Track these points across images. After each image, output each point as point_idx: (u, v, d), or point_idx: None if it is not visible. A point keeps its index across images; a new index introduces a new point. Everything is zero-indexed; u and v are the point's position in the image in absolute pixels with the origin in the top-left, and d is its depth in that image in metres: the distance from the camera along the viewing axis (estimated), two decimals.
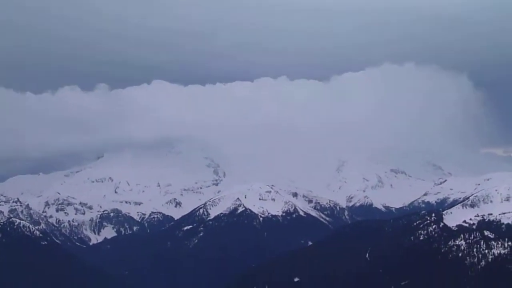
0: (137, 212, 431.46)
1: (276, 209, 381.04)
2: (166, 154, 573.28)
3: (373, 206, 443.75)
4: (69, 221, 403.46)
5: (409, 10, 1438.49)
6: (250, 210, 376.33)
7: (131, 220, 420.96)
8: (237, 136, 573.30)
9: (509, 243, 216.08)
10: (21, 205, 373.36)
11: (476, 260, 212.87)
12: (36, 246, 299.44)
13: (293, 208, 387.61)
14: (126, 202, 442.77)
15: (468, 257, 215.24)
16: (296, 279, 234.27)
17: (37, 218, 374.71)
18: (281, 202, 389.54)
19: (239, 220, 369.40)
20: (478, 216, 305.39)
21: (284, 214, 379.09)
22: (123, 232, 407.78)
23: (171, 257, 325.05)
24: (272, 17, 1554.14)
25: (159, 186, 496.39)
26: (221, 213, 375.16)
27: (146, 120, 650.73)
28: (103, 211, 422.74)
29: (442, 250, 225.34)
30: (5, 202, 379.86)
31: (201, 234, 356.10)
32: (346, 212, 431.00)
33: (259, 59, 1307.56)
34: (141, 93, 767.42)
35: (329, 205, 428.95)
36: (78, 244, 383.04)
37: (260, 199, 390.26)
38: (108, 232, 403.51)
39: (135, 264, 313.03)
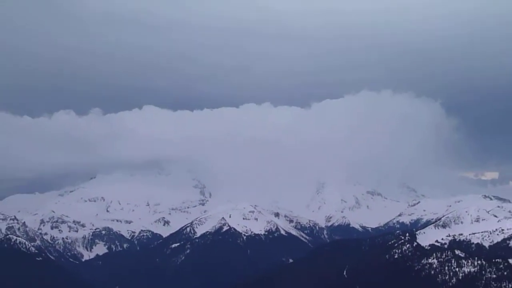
0: (127, 230, 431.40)
1: (259, 228, 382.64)
2: (155, 175, 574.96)
3: (351, 226, 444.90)
4: (63, 238, 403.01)
5: (387, 43, 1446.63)
6: (234, 229, 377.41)
7: (122, 237, 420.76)
8: (222, 158, 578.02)
9: (479, 262, 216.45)
10: (17, 223, 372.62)
11: (447, 277, 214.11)
12: (31, 261, 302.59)
13: (275, 227, 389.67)
14: (117, 221, 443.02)
15: (440, 275, 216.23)
16: None
17: (32, 235, 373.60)
18: (264, 221, 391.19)
19: (224, 238, 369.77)
20: (449, 236, 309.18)
21: (266, 233, 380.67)
22: (114, 249, 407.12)
23: (159, 273, 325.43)
24: (256, 43, 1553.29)
25: (148, 205, 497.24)
26: (207, 232, 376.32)
27: (136, 143, 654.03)
28: (95, 229, 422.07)
29: (416, 268, 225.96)
30: (2, 219, 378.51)
31: (188, 251, 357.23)
32: (325, 231, 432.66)
33: (245, 85, 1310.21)
34: (133, 117, 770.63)
35: (309, 225, 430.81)
36: (72, 260, 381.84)
37: (244, 218, 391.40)
38: (100, 249, 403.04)
39: (125, 279, 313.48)
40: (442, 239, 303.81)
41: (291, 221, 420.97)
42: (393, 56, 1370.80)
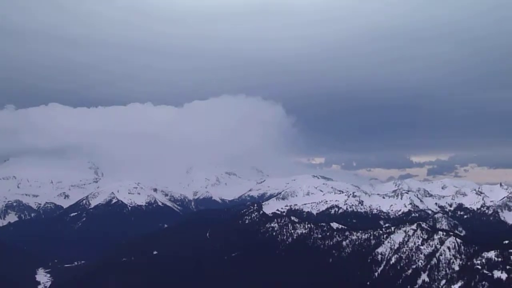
0: (35, 202, 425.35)
1: (141, 200, 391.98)
2: (58, 159, 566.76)
3: (213, 198, 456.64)
4: None
5: (243, 55, 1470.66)
6: (121, 201, 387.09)
7: (30, 208, 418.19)
8: (113, 146, 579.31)
9: (308, 225, 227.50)
10: None
11: (285, 237, 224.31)
12: None
13: (154, 200, 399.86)
14: (26, 195, 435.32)
15: (279, 235, 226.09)
16: (154, 252, 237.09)
17: None
18: (145, 195, 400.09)
19: (113, 209, 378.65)
20: (287, 206, 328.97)
21: (147, 204, 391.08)
22: (23, 217, 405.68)
23: (61, 237, 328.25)
24: (141, 56, 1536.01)
25: (52, 183, 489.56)
26: (99, 203, 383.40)
27: (43, 133, 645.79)
28: (8, 201, 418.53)
29: (261, 230, 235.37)
30: None
31: (84, 219, 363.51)
32: (192, 203, 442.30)
33: (131, 87, 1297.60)
34: (40, 112, 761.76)
35: (180, 198, 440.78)
36: None
37: (129, 193, 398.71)
38: (12, 217, 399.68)
39: (33, 241, 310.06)
40: (282, 208, 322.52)
41: (166, 195, 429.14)
42: (245, 65, 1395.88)
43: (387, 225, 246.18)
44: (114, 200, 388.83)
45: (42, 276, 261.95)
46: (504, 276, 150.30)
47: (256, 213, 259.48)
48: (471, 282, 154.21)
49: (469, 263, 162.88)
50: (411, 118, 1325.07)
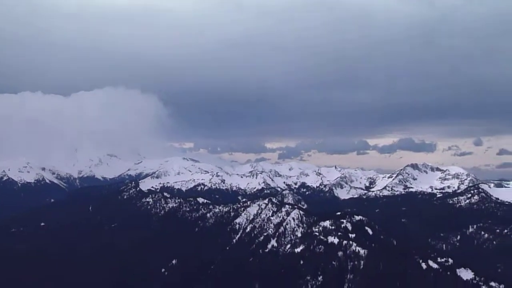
0: None
1: (30, 178, 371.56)
2: None
3: (95, 177, 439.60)
4: None
5: (120, 52, 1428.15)
6: (12, 178, 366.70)
7: None
8: (5, 130, 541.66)
9: (178, 200, 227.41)
10: None
11: (158, 210, 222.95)
12: None
13: (42, 177, 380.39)
14: None
15: (153, 209, 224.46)
16: (42, 224, 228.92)
17: None
18: (34, 173, 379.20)
19: (5, 186, 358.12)
20: (161, 183, 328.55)
21: (35, 181, 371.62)
22: None
23: None
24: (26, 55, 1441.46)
25: None
26: None
27: None
28: None
29: (138, 204, 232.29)
30: None
31: None
32: (77, 181, 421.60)
33: (22, 78, 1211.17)
34: None
35: (66, 176, 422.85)
36: None
37: (19, 171, 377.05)
38: None
39: None
40: (156, 185, 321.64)
41: (53, 173, 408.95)
42: (126, 61, 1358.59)
43: (244, 200, 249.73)
44: (5, 178, 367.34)
45: None
46: (336, 240, 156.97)
47: (133, 190, 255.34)
48: (310, 246, 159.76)
49: (309, 230, 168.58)
50: (266, 111, 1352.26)
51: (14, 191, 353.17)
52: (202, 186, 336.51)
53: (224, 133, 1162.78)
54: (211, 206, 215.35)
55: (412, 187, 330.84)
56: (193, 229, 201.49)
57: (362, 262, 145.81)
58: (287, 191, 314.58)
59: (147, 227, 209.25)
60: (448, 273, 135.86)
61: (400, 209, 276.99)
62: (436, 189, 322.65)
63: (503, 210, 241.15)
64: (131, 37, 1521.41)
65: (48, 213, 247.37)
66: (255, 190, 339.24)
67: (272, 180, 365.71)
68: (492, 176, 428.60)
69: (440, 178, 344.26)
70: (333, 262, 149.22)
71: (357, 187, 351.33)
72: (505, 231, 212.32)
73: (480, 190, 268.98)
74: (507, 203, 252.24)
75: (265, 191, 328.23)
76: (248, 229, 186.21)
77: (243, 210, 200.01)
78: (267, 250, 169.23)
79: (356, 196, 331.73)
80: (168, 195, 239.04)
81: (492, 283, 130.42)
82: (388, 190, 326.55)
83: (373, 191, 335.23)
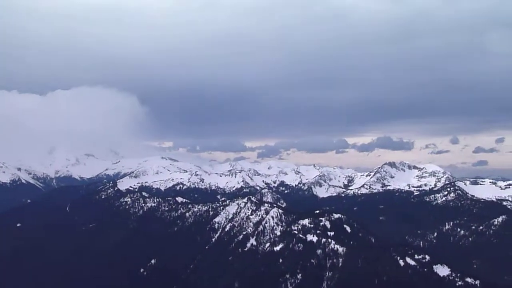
0: None
1: (5, 178, 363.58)
2: None
3: (73, 177, 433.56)
4: None
5: (98, 52, 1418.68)
6: None
7: None
8: None
9: (157, 199, 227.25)
10: None
11: (137, 210, 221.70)
12: None
13: (18, 178, 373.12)
14: None
15: (132, 208, 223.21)
16: (18, 224, 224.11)
17: None
18: (9, 173, 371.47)
19: None
20: (139, 183, 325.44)
21: (11, 182, 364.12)
22: None
23: None
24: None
25: None
26: None
27: None
28: None
29: (116, 204, 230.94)
30: None
31: None
32: (54, 181, 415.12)
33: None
34: None
35: (43, 176, 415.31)
36: None
37: None
38: None
39: None
40: (134, 185, 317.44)
41: (29, 173, 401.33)
42: (104, 60, 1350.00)
43: (223, 199, 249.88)
44: None
45: None
46: (315, 238, 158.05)
47: (111, 189, 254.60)
48: (289, 244, 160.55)
49: (288, 229, 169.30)
50: (246, 110, 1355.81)
51: None
52: (181, 186, 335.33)
53: (203, 132, 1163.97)
54: (190, 206, 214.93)
55: (390, 185, 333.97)
56: (172, 229, 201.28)
57: (340, 259, 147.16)
58: (266, 190, 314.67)
59: (125, 227, 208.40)
60: (425, 269, 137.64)
61: (378, 207, 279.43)
62: (413, 187, 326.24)
63: (479, 207, 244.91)
64: (109, 36, 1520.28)
65: (24, 213, 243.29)
66: (234, 189, 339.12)
67: (251, 179, 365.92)
68: (468, 174, 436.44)
69: (417, 176, 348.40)
70: (312, 260, 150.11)
71: (335, 186, 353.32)
72: (481, 227, 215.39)
73: (456, 187, 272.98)
74: (482, 200, 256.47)
75: (244, 190, 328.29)
76: (227, 228, 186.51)
77: (222, 209, 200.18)
78: (246, 248, 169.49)
79: (334, 194, 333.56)
80: (147, 195, 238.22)
81: (468, 279, 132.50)
82: (366, 188, 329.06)
83: (351, 189, 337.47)
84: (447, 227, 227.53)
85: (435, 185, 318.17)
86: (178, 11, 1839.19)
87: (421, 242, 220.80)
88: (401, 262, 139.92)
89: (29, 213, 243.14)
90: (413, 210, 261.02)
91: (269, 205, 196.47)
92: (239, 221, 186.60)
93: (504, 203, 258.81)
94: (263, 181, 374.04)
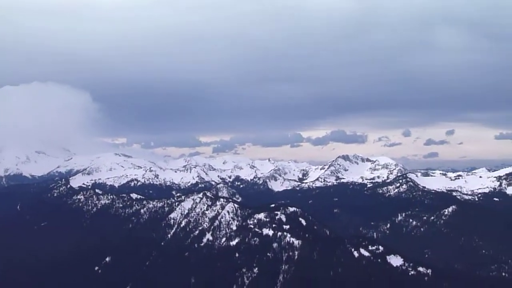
0: None
1: None
2: None
3: (23, 175, 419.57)
4: None
5: (49, 47, 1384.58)
6: None
7: None
8: None
9: (111, 196, 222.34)
10: None
11: (90, 207, 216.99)
12: None
13: None
14: None
15: (85, 206, 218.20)
16: None
17: None
18: None
19: None
20: (92, 180, 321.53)
21: None
22: None
23: None
24: None
25: None
26: None
27: None
28: None
29: (69, 202, 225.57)
30: None
31: None
32: (4, 179, 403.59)
33: None
34: None
35: None
36: None
37: None
38: None
39: None
40: (87, 182, 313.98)
41: None
42: (56, 56, 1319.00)
43: (178, 194, 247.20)
44: None
45: None
46: (270, 232, 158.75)
47: (63, 187, 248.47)
48: (245, 238, 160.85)
49: (244, 223, 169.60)
50: (201, 106, 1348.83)
51: None
52: (135, 182, 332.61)
53: (158, 128, 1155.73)
54: (145, 202, 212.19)
55: (343, 178, 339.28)
56: (127, 226, 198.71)
57: (296, 252, 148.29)
58: (222, 185, 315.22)
59: (78, 225, 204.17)
60: (379, 260, 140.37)
61: (333, 199, 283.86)
62: (366, 179, 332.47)
63: (430, 198, 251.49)
64: (61, 32, 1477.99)
65: None
66: (189, 184, 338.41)
67: (206, 174, 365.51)
68: (419, 166, 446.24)
69: (370, 168, 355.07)
70: (268, 254, 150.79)
71: (290, 179, 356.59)
72: (432, 218, 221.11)
73: (408, 179, 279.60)
74: (433, 191, 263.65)
75: (200, 185, 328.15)
76: (183, 223, 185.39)
77: (178, 204, 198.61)
78: (202, 244, 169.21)
79: (289, 188, 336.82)
80: (100, 192, 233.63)
81: (420, 268, 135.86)
82: (321, 182, 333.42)
83: (306, 183, 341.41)
84: (399, 218, 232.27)
85: (388, 177, 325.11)
86: (133, 6, 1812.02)
87: (375, 234, 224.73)
88: (356, 254, 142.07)
89: None
90: (366, 202, 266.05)
91: (225, 200, 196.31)
92: (194, 217, 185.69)
93: (454, 193, 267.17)
94: (218, 176, 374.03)
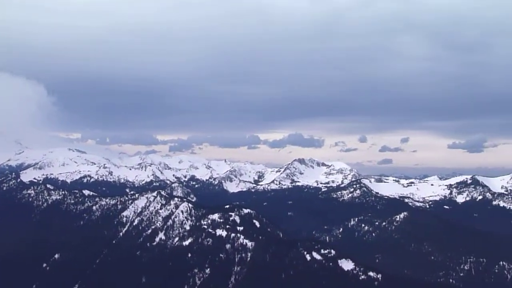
0: None
1: None
2: None
3: None
4: None
5: (6, 38, 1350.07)
6: None
7: None
8: None
9: (63, 192, 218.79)
10: None
11: (41, 202, 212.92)
12: None
13: None
14: None
15: (35, 201, 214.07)
16: None
17: None
18: None
19: None
20: (44, 175, 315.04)
21: None
22: None
23: None
24: None
25: None
26: None
27: None
28: None
29: (18, 196, 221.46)
30: None
31: None
32: None
33: None
34: None
35: None
36: None
37: None
38: None
39: None
40: (39, 177, 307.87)
41: None
42: (11, 46, 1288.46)
43: (132, 192, 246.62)
44: None
45: None
46: (224, 233, 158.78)
47: (13, 181, 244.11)
48: (198, 238, 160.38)
49: (198, 223, 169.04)
50: (159, 103, 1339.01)
51: None
52: (88, 178, 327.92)
53: (114, 124, 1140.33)
54: (97, 199, 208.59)
55: (299, 181, 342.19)
56: (78, 223, 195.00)
57: (249, 254, 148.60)
58: (177, 184, 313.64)
59: (28, 221, 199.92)
60: (330, 264, 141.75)
61: (287, 202, 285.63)
62: (321, 183, 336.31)
63: (382, 204, 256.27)
64: (18, 22, 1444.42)
65: None
66: (143, 182, 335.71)
67: (161, 172, 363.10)
68: (373, 172, 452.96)
69: (325, 173, 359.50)
70: (220, 255, 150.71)
71: (246, 181, 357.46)
72: (384, 223, 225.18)
73: (361, 184, 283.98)
74: (386, 197, 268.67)
75: (154, 184, 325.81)
76: (136, 222, 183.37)
77: (131, 202, 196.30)
78: (154, 243, 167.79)
79: (245, 189, 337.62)
80: (52, 187, 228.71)
81: (371, 273, 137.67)
82: (276, 184, 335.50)
83: (261, 185, 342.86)
84: (352, 222, 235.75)
85: (342, 182, 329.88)
86: (95, 2, 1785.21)
87: (328, 237, 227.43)
88: (308, 257, 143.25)
89: None
90: (320, 206, 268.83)
91: (179, 199, 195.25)
92: (148, 215, 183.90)
93: (406, 200, 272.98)
94: (173, 175, 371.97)
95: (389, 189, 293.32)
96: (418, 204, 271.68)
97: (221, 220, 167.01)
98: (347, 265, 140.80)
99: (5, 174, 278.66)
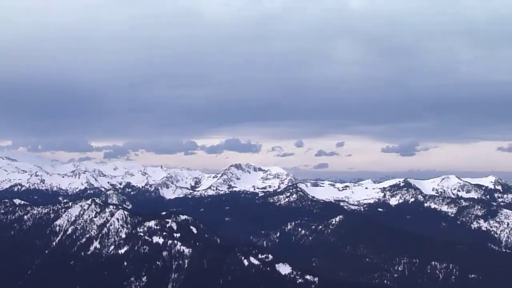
0: None
1: None
2: None
3: None
4: None
5: None
6: None
7: None
8: None
9: None
10: None
11: None
12: None
13: None
14: None
15: None
16: None
17: None
18: None
19: None
20: None
21: None
22: None
23: None
24: None
25: None
26: None
27: None
28: None
29: None
30: None
31: None
32: None
33: None
34: None
35: None
36: None
37: None
38: None
39: None
40: None
41: None
42: None
43: (65, 200, 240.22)
44: None
45: None
46: (161, 240, 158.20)
47: None
48: (134, 246, 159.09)
49: (134, 231, 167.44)
50: (93, 109, 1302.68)
51: None
52: (19, 187, 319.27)
53: (47, 130, 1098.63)
54: (29, 208, 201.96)
55: (236, 187, 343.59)
56: (8, 233, 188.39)
57: (186, 261, 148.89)
58: (112, 191, 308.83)
59: None
60: (268, 268, 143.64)
61: (224, 208, 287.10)
62: (258, 188, 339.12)
63: (318, 208, 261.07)
64: None
65: None
66: (77, 190, 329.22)
67: (96, 180, 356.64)
68: (309, 176, 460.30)
69: (262, 178, 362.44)
70: (157, 262, 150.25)
71: (182, 187, 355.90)
72: (320, 227, 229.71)
73: (298, 189, 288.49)
74: (322, 201, 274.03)
75: (88, 191, 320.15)
76: (70, 231, 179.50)
77: (64, 211, 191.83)
78: (89, 252, 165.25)
79: (181, 195, 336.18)
80: None
81: (308, 276, 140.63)
82: (213, 190, 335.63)
83: (198, 191, 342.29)
84: (289, 227, 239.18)
85: (279, 187, 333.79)
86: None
87: (265, 242, 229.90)
88: (245, 262, 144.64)
89: None
90: (257, 211, 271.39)
91: (114, 207, 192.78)
92: (82, 224, 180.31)
93: (341, 203, 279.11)
94: (108, 182, 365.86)
95: (325, 193, 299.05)
96: (353, 207, 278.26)
97: (158, 227, 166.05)
98: (284, 269, 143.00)
99: None
